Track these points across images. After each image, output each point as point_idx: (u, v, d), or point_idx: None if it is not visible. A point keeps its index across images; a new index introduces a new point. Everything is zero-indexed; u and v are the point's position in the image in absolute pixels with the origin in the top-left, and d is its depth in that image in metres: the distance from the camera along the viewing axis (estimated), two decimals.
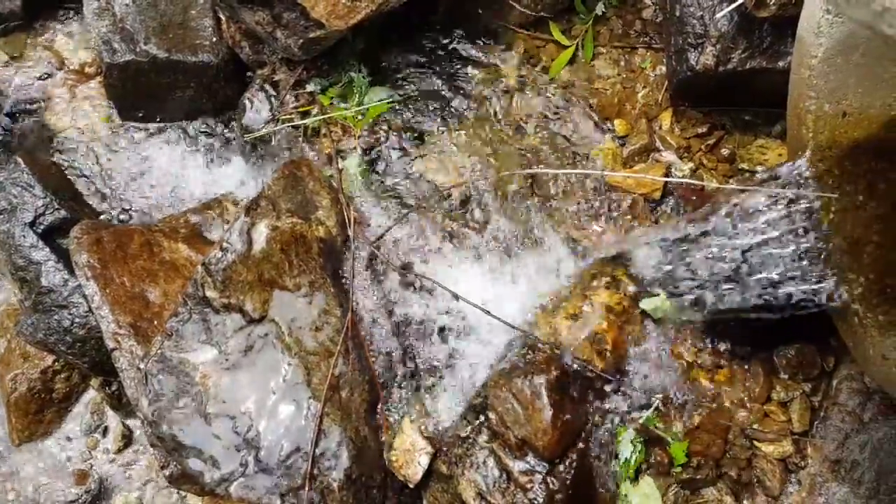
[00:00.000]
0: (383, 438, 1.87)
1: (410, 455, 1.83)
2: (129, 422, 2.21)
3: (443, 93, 2.23)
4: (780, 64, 1.84)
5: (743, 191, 1.66)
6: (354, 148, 2.17)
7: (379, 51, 2.27)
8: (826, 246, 1.55)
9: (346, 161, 2.16)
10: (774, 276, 1.61)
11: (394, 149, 2.18)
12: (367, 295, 1.99)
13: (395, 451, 1.85)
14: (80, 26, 2.54)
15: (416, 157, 2.16)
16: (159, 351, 1.77)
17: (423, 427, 1.88)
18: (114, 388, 2.19)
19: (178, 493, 2.09)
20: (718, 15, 1.87)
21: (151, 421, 1.73)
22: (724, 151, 2.06)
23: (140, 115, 2.39)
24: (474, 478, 1.76)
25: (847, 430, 1.79)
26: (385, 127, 2.20)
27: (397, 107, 2.20)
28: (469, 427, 1.82)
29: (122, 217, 2.30)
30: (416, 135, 2.19)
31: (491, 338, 1.93)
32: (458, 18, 2.30)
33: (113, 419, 2.22)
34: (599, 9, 2.25)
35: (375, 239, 2.06)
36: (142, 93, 2.32)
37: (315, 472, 1.70)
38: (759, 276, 1.63)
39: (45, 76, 2.49)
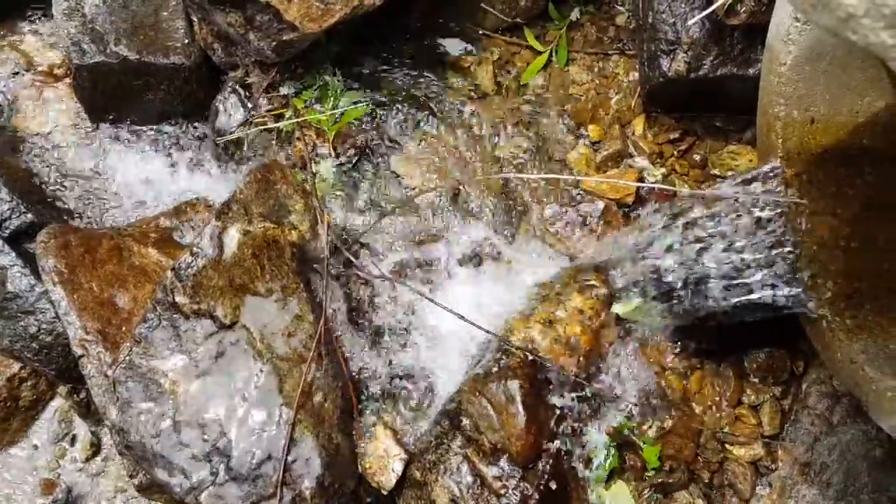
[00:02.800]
0: (357, 445, 1.85)
1: (384, 461, 1.82)
2: (98, 430, 2.17)
3: (418, 97, 2.23)
4: (751, 71, 1.87)
5: (714, 196, 1.68)
6: (328, 152, 2.16)
7: (354, 54, 2.26)
8: (795, 250, 1.57)
9: (320, 165, 2.14)
10: (744, 280, 1.62)
11: (368, 153, 2.17)
12: (340, 300, 1.98)
13: (368, 458, 1.83)
14: (49, 27, 2.49)
15: (390, 161, 2.16)
16: (128, 358, 1.74)
17: (396, 433, 1.87)
18: (82, 395, 2.15)
19: (147, 502, 2.05)
20: (690, 22, 1.88)
21: (119, 429, 1.70)
22: (696, 157, 2.09)
23: (110, 117, 2.35)
24: (448, 484, 1.75)
25: (816, 432, 1.81)
26: (360, 131, 2.19)
27: (372, 111, 2.20)
28: (443, 432, 1.81)
29: (90, 221, 2.26)
30: (390, 139, 2.18)
31: (465, 343, 1.92)
32: (433, 23, 2.30)
33: (81, 427, 2.18)
34: (574, 15, 2.27)
35: (349, 244, 2.05)
36: (112, 95, 2.28)
37: (287, 479, 1.68)
38: (730, 280, 1.64)
39: (13, 77, 2.44)
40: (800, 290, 1.56)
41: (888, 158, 1.55)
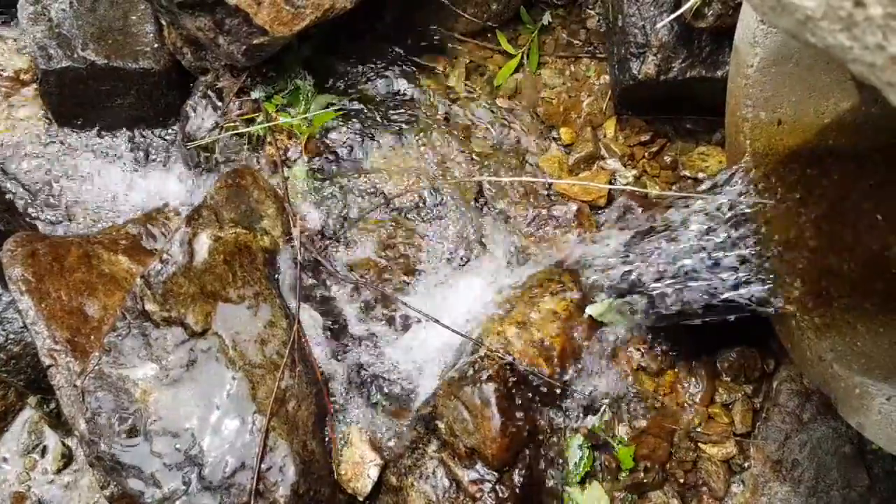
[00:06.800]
0: (332, 451, 1.84)
1: (360, 467, 1.81)
2: (69, 441, 2.13)
3: (390, 101, 2.22)
4: (719, 73, 1.89)
5: (684, 197, 1.69)
6: (300, 156, 2.14)
7: (325, 58, 2.25)
8: (764, 250, 1.59)
9: (292, 169, 2.13)
10: (715, 280, 1.64)
11: (341, 157, 2.16)
12: (313, 306, 1.97)
13: (343, 464, 1.82)
14: (15, 31, 2.45)
15: (363, 165, 2.15)
16: (97, 367, 1.71)
17: (372, 438, 1.86)
18: (52, 405, 2.12)
19: None
20: (659, 25, 1.90)
21: (89, 440, 1.68)
22: (667, 159, 2.10)
23: (78, 123, 2.32)
24: (424, 488, 1.74)
25: (787, 430, 1.83)
26: (332, 134, 2.17)
27: (344, 114, 2.18)
28: (418, 437, 1.80)
29: (59, 229, 2.22)
30: (363, 143, 2.17)
31: (439, 346, 1.92)
32: (406, 27, 2.30)
33: (51, 438, 2.14)
34: (545, 19, 2.28)
35: (322, 248, 2.04)
36: (80, 100, 2.25)
37: (261, 488, 1.66)
38: (701, 280, 1.65)
39: None
40: (769, 289, 1.58)
41: (853, 159, 1.58)
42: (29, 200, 2.26)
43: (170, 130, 2.32)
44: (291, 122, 2.13)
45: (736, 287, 1.60)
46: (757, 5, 0.88)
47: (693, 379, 1.90)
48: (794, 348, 1.62)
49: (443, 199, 2.10)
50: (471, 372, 1.79)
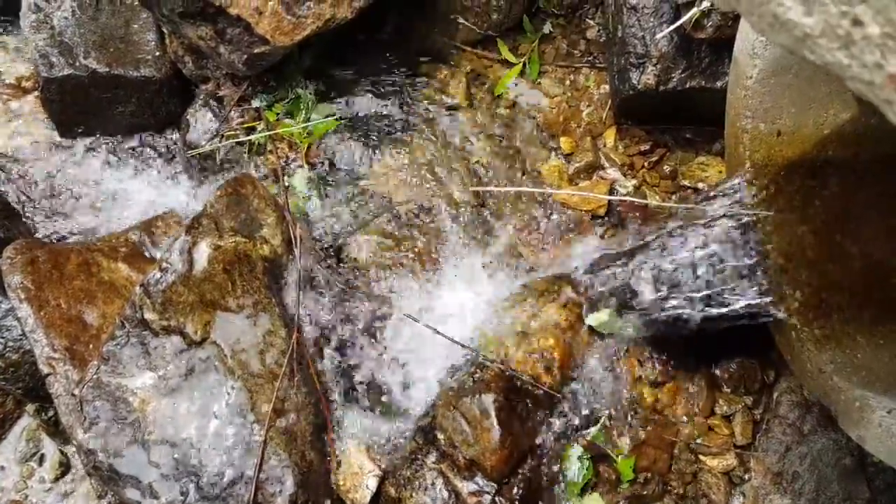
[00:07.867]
0: (330, 462, 1.83)
1: (358, 478, 1.80)
2: (67, 449, 2.13)
3: (390, 109, 2.23)
4: (718, 84, 1.89)
5: (683, 208, 1.69)
6: (301, 165, 2.15)
7: (326, 67, 2.25)
8: (763, 261, 1.59)
9: (292, 178, 2.13)
10: (715, 291, 1.63)
11: (341, 166, 2.16)
12: (313, 315, 1.96)
13: (342, 475, 1.81)
14: (17, 39, 2.46)
15: (363, 174, 2.15)
16: (95, 376, 1.71)
17: (371, 449, 1.85)
18: (50, 413, 2.12)
19: None
20: (659, 36, 1.90)
21: (87, 449, 1.67)
22: (667, 168, 2.10)
23: (79, 130, 2.32)
24: (423, 500, 1.73)
25: (788, 442, 1.82)
26: (332, 143, 2.18)
27: (344, 123, 2.19)
28: (417, 448, 1.80)
29: (59, 236, 2.22)
30: (363, 151, 2.17)
31: (439, 356, 1.91)
32: (406, 36, 2.30)
33: (49, 446, 2.14)
34: (545, 28, 2.28)
35: (322, 258, 2.04)
36: (81, 108, 2.26)
37: (259, 498, 1.66)
38: (701, 291, 1.65)
39: None
40: (768, 300, 1.57)
41: (853, 170, 1.58)
42: (29, 208, 2.26)
43: (171, 138, 2.32)
44: (292, 131, 2.14)
45: (736, 298, 1.60)
46: (755, 22, 0.88)
47: (693, 390, 1.89)
48: (794, 360, 1.61)
49: (443, 208, 2.09)
50: (470, 382, 1.79)
